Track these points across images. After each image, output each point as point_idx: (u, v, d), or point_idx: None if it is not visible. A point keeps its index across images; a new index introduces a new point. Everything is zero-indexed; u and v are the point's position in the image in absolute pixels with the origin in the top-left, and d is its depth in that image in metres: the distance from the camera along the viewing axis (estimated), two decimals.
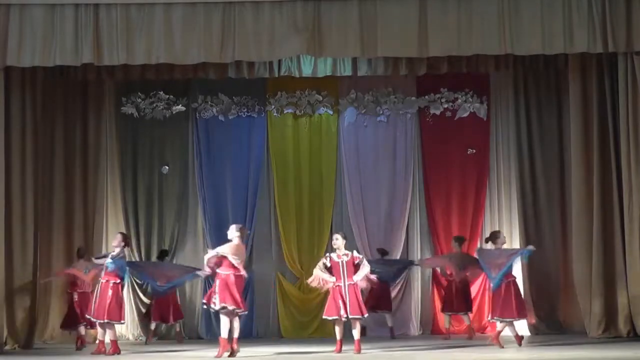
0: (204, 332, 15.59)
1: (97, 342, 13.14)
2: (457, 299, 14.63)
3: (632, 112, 13.34)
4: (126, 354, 13.03)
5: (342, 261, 12.30)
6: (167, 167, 15.92)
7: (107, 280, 12.82)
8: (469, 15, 13.05)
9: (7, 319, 13.35)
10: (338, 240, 12.42)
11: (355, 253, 12.48)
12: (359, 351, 12.14)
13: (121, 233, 13.67)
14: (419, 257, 15.79)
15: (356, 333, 12.30)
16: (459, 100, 15.93)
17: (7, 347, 13.31)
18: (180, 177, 15.98)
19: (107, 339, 12.91)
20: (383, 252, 15.40)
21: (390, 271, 15.07)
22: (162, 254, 15.31)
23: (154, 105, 15.92)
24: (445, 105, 15.95)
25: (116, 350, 12.79)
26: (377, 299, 14.79)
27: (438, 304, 15.61)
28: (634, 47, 13.10)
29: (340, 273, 12.26)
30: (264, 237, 15.80)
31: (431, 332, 15.58)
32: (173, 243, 15.81)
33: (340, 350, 12.22)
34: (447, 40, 13.08)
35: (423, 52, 13.20)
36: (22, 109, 13.79)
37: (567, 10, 13.01)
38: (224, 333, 12.15)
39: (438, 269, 15.72)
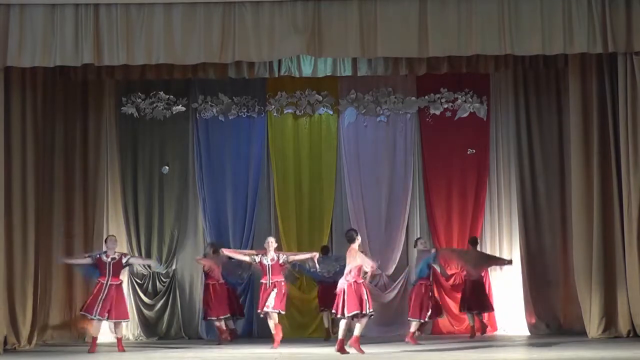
0: (204, 332, 15.59)
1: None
2: (475, 298, 14.72)
3: (632, 112, 13.34)
4: (127, 353, 13.06)
5: None
6: (167, 167, 15.92)
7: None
8: (469, 15, 13.04)
9: (7, 319, 13.34)
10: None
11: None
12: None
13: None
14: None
15: (358, 329, 12.26)
16: (459, 100, 15.93)
17: (8, 347, 13.30)
18: (180, 177, 15.98)
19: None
20: (325, 251, 15.40)
21: (332, 268, 15.03)
22: None
23: (154, 105, 15.92)
24: (445, 105, 15.96)
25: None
26: (325, 298, 14.88)
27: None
28: (634, 48, 13.09)
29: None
30: (264, 237, 15.70)
31: (431, 332, 15.58)
32: (173, 243, 15.82)
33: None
34: (447, 40, 13.08)
35: (423, 52, 13.19)
36: (22, 109, 13.78)
37: (567, 10, 13.00)
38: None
39: (438, 269, 15.73)
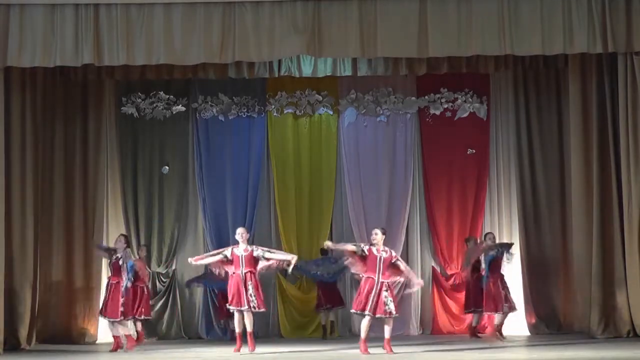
0: (204, 332, 15.59)
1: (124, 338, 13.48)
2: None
3: (632, 112, 13.35)
4: (127, 353, 13.07)
5: (380, 256, 12.08)
6: (167, 167, 15.93)
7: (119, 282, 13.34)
8: (469, 15, 13.05)
9: (7, 319, 13.34)
10: (377, 236, 12.17)
11: (393, 252, 12.30)
12: (391, 351, 12.05)
13: (123, 235, 13.88)
14: (419, 256, 15.82)
15: (387, 331, 12.13)
16: (459, 100, 15.94)
17: (7, 347, 13.30)
18: (180, 177, 15.98)
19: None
20: (324, 252, 15.42)
21: (332, 269, 15.11)
22: None
23: (154, 105, 15.93)
24: (445, 105, 15.96)
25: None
26: (327, 297, 14.98)
27: (438, 304, 15.65)
28: (634, 47, 13.10)
29: (376, 268, 12.03)
30: (264, 237, 15.80)
31: (431, 332, 15.60)
32: (173, 243, 15.82)
33: (366, 351, 12.06)
34: (447, 40, 13.09)
35: (423, 52, 13.20)
36: (22, 109, 13.80)
37: (567, 10, 13.01)
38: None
39: (438, 269, 15.76)
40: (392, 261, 12.17)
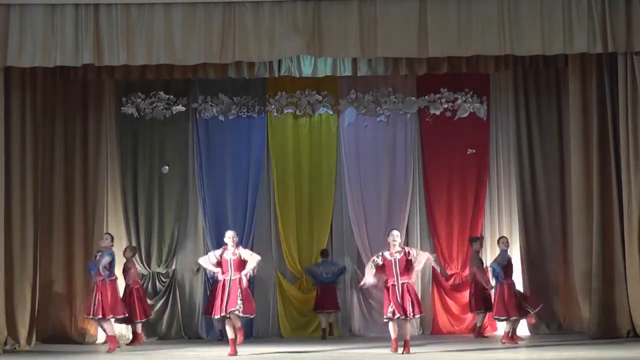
0: (204, 332, 15.59)
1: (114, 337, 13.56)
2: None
3: (632, 112, 13.35)
4: (126, 353, 13.07)
5: (394, 259, 12.13)
6: (167, 167, 15.92)
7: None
8: (469, 15, 13.06)
9: (7, 319, 13.35)
10: (399, 238, 12.28)
11: (407, 248, 12.36)
12: (408, 352, 12.08)
13: (108, 234, 14.19)
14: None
15: (407, 333, 12.22)
16: (459, 100, 15.94)
17: (7, 347, 13.31)
18: (180, 177, 15.98)
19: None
20: (325, 254, 15.52)
21: (331, 270, 15.29)
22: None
23: (154, 105, 15.92)
24: (445, 106, 15.96)
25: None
26: (324, 299, 15.04)
27: (438, 304, 15.65)
28: (634, 47, 13.10)
29: (393, 272, 12.11)
30: (264, 237, 15.81)
31: (431, 332, 15.59)
32: (173, 243, 15.81)
33: (396, 349, 12.16)
34: (447, 40, 13.09)
35: (423, 52, 13.20)
36: (22, 109, 13.79)
37: (567, 10, 13.02)
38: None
39: (438, 269, 15.75)
40: (409, 259, 12.16)
